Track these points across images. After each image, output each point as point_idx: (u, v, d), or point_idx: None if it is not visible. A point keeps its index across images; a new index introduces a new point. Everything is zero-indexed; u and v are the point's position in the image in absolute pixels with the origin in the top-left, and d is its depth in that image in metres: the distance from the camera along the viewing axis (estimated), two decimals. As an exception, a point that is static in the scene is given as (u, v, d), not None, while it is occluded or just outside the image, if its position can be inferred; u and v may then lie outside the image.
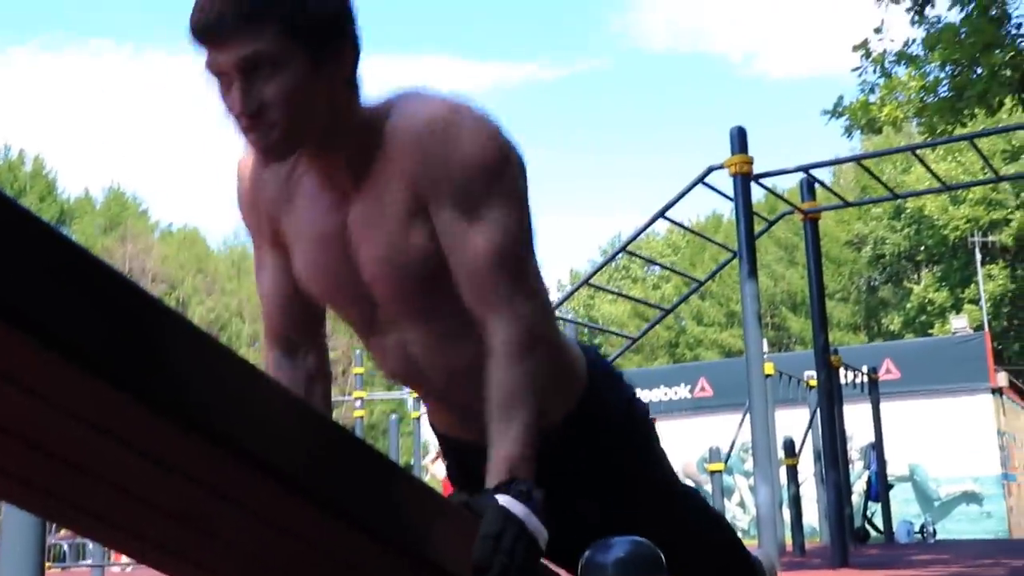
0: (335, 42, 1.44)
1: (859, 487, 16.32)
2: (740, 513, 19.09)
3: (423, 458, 19.34)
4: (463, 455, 1.76)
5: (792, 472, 10.12)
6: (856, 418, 16.18)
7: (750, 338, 7.02)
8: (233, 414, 1.04)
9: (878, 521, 14.63)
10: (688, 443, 22.22)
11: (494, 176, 1.47)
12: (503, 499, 1.34)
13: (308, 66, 1.40)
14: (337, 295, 1.61)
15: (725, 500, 17.22)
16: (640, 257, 29.97)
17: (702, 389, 22.94)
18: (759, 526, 6.80)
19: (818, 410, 8.21)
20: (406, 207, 1.48)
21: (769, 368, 11.73)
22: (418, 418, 19.53)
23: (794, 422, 13.94)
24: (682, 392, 23.21)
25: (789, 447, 10.32)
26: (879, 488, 14.49)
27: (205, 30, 1.37)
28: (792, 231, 31.20)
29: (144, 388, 0.96)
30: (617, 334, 18.31)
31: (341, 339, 29.39)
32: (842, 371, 19.04)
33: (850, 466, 15.32)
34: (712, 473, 10.40)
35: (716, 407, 21.41)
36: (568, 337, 1.84)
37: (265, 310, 1.71)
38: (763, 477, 6.85)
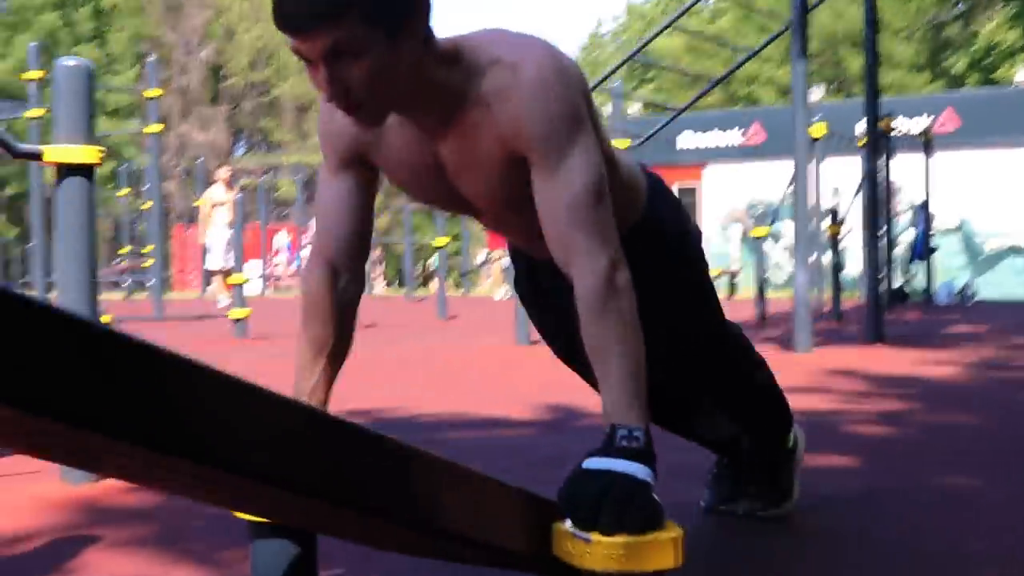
0: (409, 16, 1.49)
1: (907, 237, 16.31)
2: (785, 258, 19.20)
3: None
4: (532, 266, 2.06)
5: (834, 242, 10.09)
6: (910, 169, 15.97)
7: (798, 128, 6.85)
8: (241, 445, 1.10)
9: (920, 281, 14.72)
10: (739, 188, 22.19)
11: (576, 123, 1.58)
12: (588, 461, 1.49)
13: (387, 46, 1.47)
14: (441, 205, 1.80)
15: (772, 243, 17.30)
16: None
17: (755, 134, 22.63)
18: (796, 305, 6.86)
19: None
20: (499, 158, 1.61)
21: (819, 130, 11.50)
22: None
23: (852, 171, 13.76)
24: (735, 136, 22.93)
25: (833, 216, 10.25)
26: (923, 248, 14.47)
27: (288, 22, 1.44)
28: (858, -37, 29.64)
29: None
30: (671, 69, 17.84)
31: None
32: (901, 119, 18.66)
33: (896, 219, 15.27)
34: (756, 238, 10.45)
35: (769, 153, 21.20)
36: (631, 163, 1.94)
37: (318, 228, 1.81)
38: (802, 262, 6.85)
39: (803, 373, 5.77)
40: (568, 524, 1.48)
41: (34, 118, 11.46)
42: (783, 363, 6.41)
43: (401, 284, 29.73)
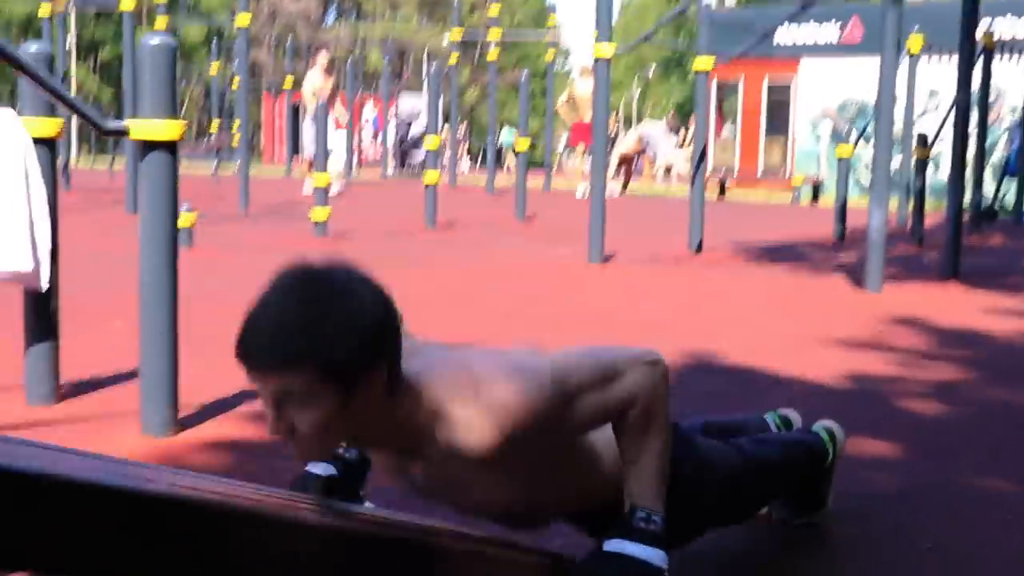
0: (367, 373, 1.48)
1: (1003, 143, 15.84)
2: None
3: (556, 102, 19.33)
4: None
5: (921, 165, 9.90)
6: (1015, 73, 15.36)
7: (888, 32, 6.68)
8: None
9: (1010, 199, 14.36)
10: (834, 85, 21.64)
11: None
12: (608, 543, 1.65)
13: (338, 401, 1.47)
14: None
15: (864, 143, 16.91)
16: None
17: (854, 29, 21.94)
18: (869, 249, 6.83)
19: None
20: (475, 472, 1.65)
21: (916, 43, 11.15)
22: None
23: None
24: (832, 31, 22.26)
25: (922, 140, 10.03)
26: (1018, 165, 14.07)
27: (245, 360, 1.46)
28: None
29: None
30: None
31: None
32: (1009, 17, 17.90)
33: (995, 126, 14.80)
34: (839, 159, 10.30)
35: (866, 50, 20.57)
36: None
37: None
38: (878, 203, 6.78)
39: (866, 320, 5.80)
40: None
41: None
42: (850, 304, 6.43)
43: (483, 160, 29.75)
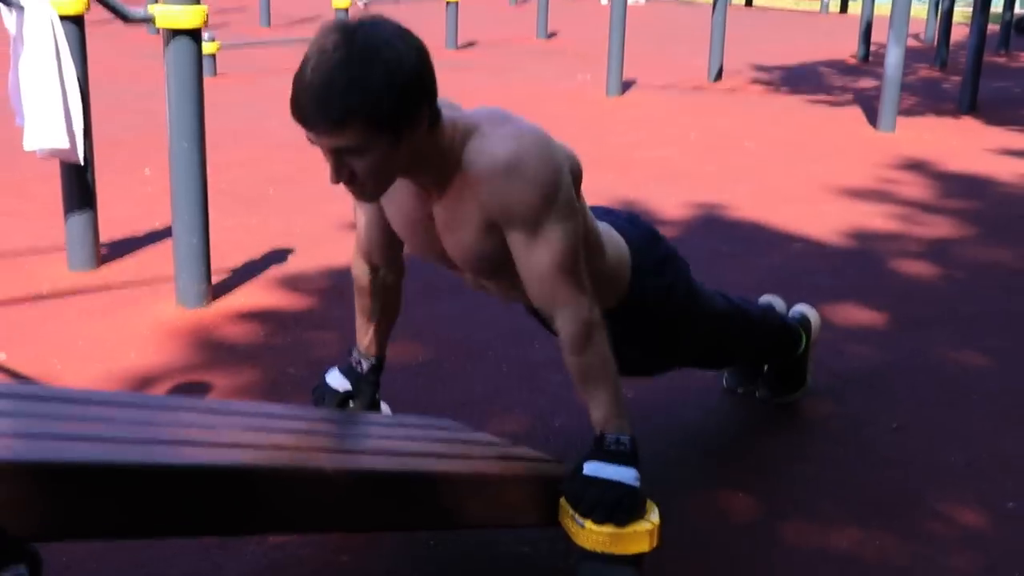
0: (412, 115, 1.65)
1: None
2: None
3: None
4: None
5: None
6: None
7: None
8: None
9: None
10: None
11: (550, 203, 1.80)
12: (587, 466, 1.85)
13: (389, 146, 1.65)
14: (425, 256, 2.02)
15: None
16: None
17: None
18: (884, 87, 6.86)
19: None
20: (479, 223, 1.83)
21: None
22: None
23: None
24: None
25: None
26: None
27: (301, 119, 1.62)
28: None
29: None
30: None
31: None
32: None
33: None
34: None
35: None
36: (614, 236, 2.15)
37: (358, 233, 2.17)
38: (897, 39, 6.77)
39: (874, 166, 5.92)
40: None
41: None
42: (860, 146, 6.53)
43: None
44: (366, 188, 1.73)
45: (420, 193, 1.88)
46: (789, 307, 2.94)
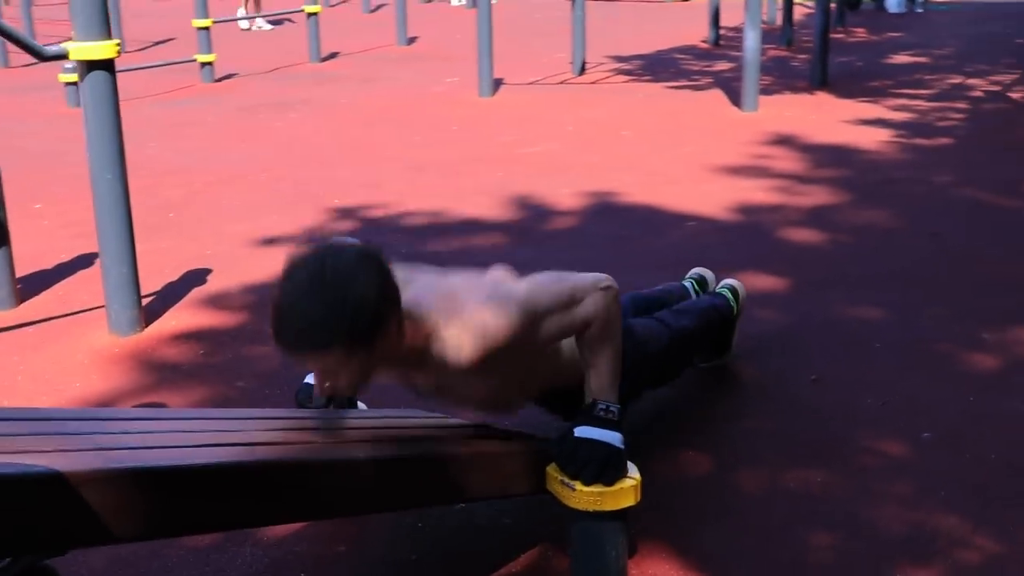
0: (384, 328, 1.84)
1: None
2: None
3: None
4: None
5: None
6: None
7: None
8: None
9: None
10: None
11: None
12: (577, 429, 2.06)
13: (367, 355, 1.83)
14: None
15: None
16: None
17: None
18: (745, 70, 7.23)
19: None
20: (470, 381, 2.08)
21: None
22: None
23: None
24: None
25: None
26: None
27: (282, 349, 1.81)
28: None
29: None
30: None
31: None
32: None
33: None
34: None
35: None
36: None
37: None
38: (753, 23, 7.13)
39: (745, 144, 6.27)
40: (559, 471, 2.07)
41: None
42: (728, 126, 6.89)
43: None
44: (348, 390, 1.92)
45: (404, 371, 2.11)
46: (718, 278, 3.19)
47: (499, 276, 2.15)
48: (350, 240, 1.91)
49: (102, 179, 3.33)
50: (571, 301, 2.09)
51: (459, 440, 1.99)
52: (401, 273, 2.03)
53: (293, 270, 1.81)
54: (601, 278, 2.13)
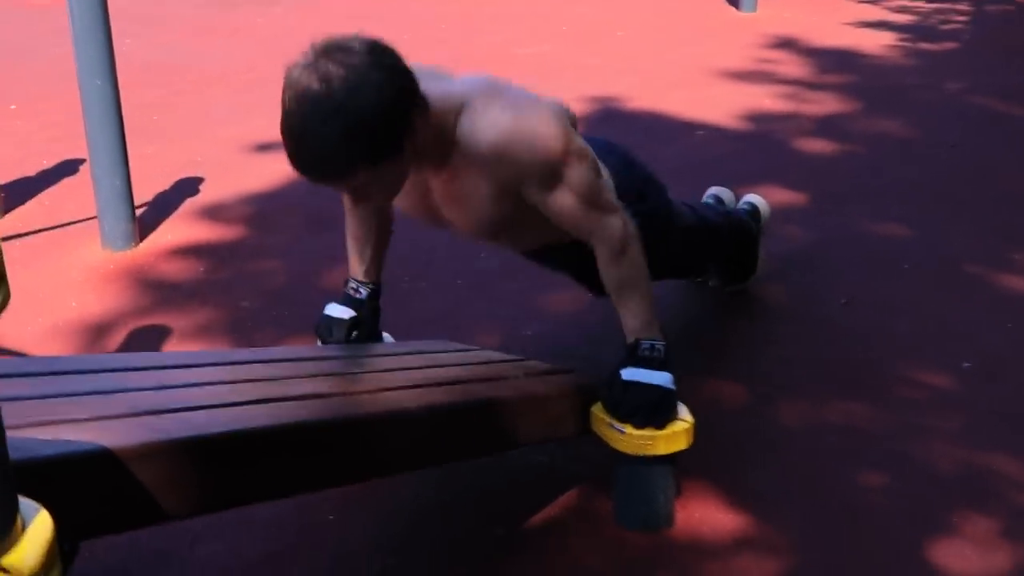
0: (407, 129, 1.67)
1: None
2: None
3: None
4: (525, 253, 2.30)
5: None
6: None
7: None
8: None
9: None
10: None
11: (560, 161, 1.85)
12: (624, 372, 1.92)
13: (395, 161, 1.68)
14: (424, 222, 2.06)
15: None
16: None
17: None
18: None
19: None
20: (489, 194, 1.86)
21: None
22: None
23: None
24: None
25: None
26: None
27: (305, 175, 1.64)
28: None
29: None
30: None
31: None
32: None
33: None
34: None
35: None
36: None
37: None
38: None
39: (746, 46, 6.06)
40: (606, 412, 1.95)
41: None
42: (729, 27, 6.67)
43: None
44: (383, 199, 1.80)
45: (417, 169, 1.86)
46: (737, 198, 3.03)
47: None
48: (348, 36, 1.66)
49: (91, 85, 3.12)
50: (602, 201, 1.92)
51: (505, 382, 1.86)
52: (421, 70, 1.83)
53: (297, 90, 1.60)
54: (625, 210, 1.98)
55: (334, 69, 1.58)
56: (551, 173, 1.83)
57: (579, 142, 1.89)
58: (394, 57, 1.66)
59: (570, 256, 2.11)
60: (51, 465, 1.01)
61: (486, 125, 1.77)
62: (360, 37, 1.65)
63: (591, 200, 1.89)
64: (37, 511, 0.81)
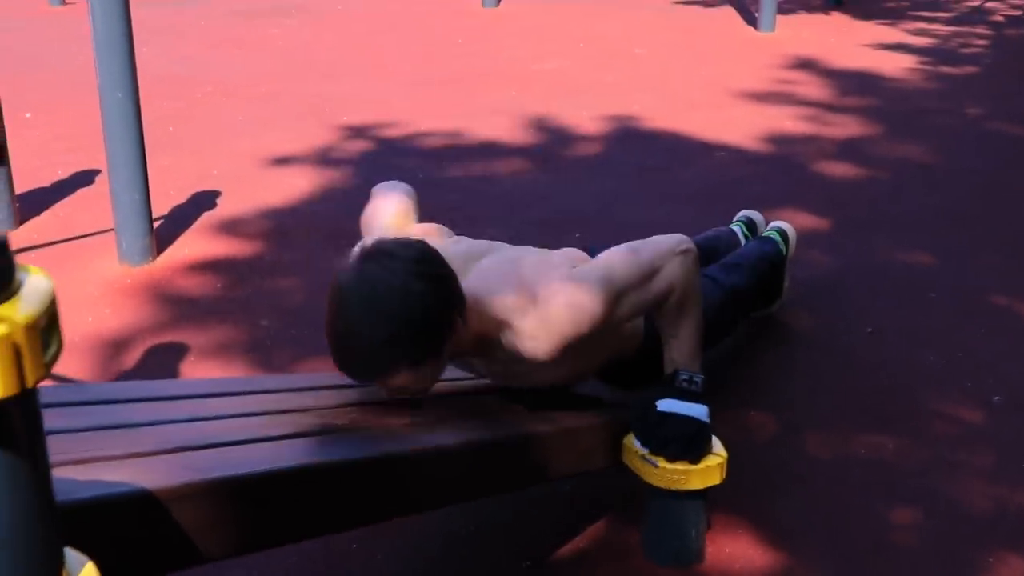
0: (447, 336, 1.69)
1: None
2: None
3: None
4: None
5: None
6: None
7: None
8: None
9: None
10: None
11: (603, 320, 1.85)
12: (661, 403, 1.91)
13: (434, 360, 1.69)
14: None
15: None
16: None
17: None
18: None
19: None
20: (541, 371, 1.93)
21: None
22: None
23: None
24: None
25: None
26: None
27: (349, 375, 1.68)
28: None
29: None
30: None
31: None
32: None
33: None
34: None
35: None
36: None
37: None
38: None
39: (766, 67, 6.03)
40: (638, 444, 1.91)
41: None
42: (748, 47, 6.64)
43: None
44: (420, 393, 1.78)
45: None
46: (767, 221, 3.00)
47: (572, 255, 1.97)
48: (387, 239, 1.70)
49: (112, 97, 3.09)
50: (651, 272, 1.90)
51: (538, 415, 1.82)
52: (458, 248, 1.92)
53: (342, 293, 1.64)
54: (678, 241, 1.94)
55: (379, 274, 1.63)
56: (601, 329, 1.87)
57: (614, 287, 1.86)
58: (438, 265, 1.69)
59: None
60: (89, 509, 0.98)
61: (530, 346, 1.81)
62: (406, 242, 1.69)
63: (642, 283, 1.90)
64: (83, 565, 0.77)
